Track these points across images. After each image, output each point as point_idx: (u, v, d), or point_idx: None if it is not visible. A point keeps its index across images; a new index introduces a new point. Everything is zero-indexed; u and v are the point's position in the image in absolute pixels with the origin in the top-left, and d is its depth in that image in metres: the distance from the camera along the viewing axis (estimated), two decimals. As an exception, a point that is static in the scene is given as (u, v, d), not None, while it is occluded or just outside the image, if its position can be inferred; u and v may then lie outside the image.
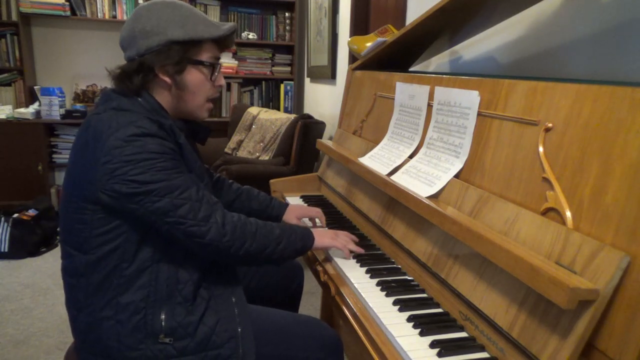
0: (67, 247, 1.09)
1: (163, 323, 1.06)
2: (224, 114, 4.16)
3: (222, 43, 1.18)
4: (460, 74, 1.29)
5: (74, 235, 1.07)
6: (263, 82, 4.21)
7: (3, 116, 3.56)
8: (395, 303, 1.05)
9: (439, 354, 0.87)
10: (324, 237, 1.29)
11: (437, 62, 1.95)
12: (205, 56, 1.14)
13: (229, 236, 1.08)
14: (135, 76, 1.09)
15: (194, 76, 1.14)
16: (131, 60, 1.11)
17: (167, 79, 1.12)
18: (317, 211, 1.54)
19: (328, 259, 1.31)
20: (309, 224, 1.55)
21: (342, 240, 1.30)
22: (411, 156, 1.35)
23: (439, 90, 1.26)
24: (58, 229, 3.36)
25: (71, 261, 1.08)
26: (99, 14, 3.78)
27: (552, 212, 0.86)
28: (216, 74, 1.18)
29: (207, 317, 1.10)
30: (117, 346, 1.05)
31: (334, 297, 1.18)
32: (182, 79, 1.13)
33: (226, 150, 3.56)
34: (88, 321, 1.07)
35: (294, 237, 1.21)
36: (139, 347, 1.05)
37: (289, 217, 1.52)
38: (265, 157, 3.25)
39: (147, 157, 1.01)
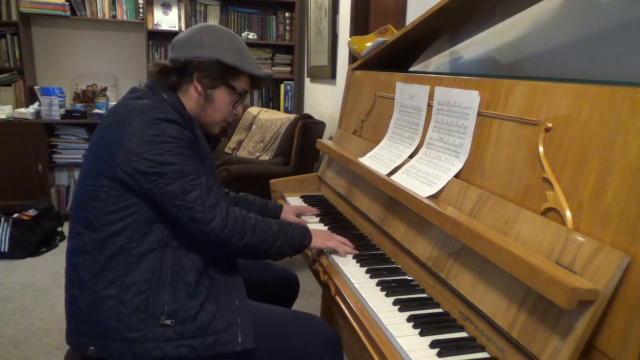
0: (76, 225, 1.13)
1: (165, 306, 1.09)
2: (224, 114, 4.15)
3: (256, 82, 1.32)
4: (460, 74, 1.30)
5: (86, 213, 1.11)
6: (263, 82, 4.21)
7: (3, 116, 3.56)
8: (395, 303, 1.05)
9: (439, 354, 0.87)
10: (320, 237, 1.32)
11: (437, 62, 1.95)
12: (238, 85, 1.27)
13: (230, 227, 1.13)
14: (174, 74, 1.21)
15: (222, 96, 1.26)
16: (175, 61, 1.21)
17: (199, 87, 1.23)
18: (311, 209, 1.65)
19: (328, 258, 1.32)
20: (304, 219, 1.60)
21: (336, 241, 1.33)
22: (411, 156, 1.35)
23: (439, 90, 1.26)
24: (59, 229, 3.38)
25: (79, 239, 1.11)
26: (99, 14, 3.78)
27: (552, 212, 0.86)
28: (239, 103, 1.31)
29: (207, 304, 1.12)
30: (117, 326, 1.07)
31: (334, 297, 1.18)
32: (211, 94, 1.24)
33: (226, 150, 3.56)
34: (90, 301, 1.09)
35: (291, 234, 1.25)
36: (140, 327, 1.07)
37: (285, 215, 1.61)
38: (265, 157, 3.25)
39: (165, 140, 1.08)
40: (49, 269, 2.93)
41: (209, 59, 1.20)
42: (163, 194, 1.07)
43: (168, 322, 1.08)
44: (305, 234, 1.29)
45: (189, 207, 1.08)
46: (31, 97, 3.76)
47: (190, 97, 1.24)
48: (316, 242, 1.30)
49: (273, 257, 1.25)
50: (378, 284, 1.14)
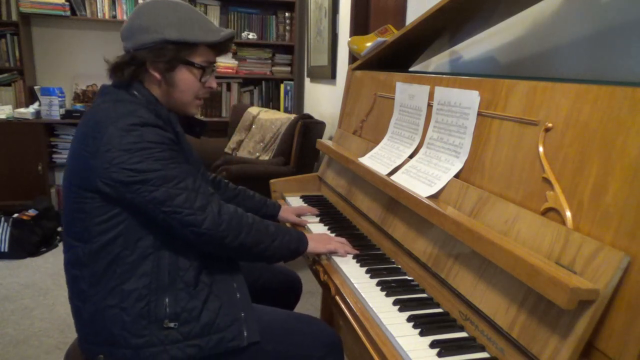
0: (69, 238, 1.11)
1: (167, 309, 1.08)
2: (223, 114, 4.16)
3: (217, 48, 1.19)
4: (460, 74, 1.29)
5: (75, 226, 1.09)
6: (263, 82, 4.21)
7: (3, 116, 3.56)
8: (395, 303, 1.05)
9: (439, 354, 0.87)
10: (319, 242, 1.31)
11: (437, 62, 1.95)
12: (198, 59, 1.16)
13: (225, 225, 1.10)
14: (127, 68, 1.12)
15: (184, 76, 1.16)
16: (127, 52, 1.14)
17: (157, 75, 1.14)
18: (311, 209, 1.64)
19: (328, 258, 1.32)
20: (304, 219, 1.60)
21: (336, 242, 1.32)
22: (411, 156, 1.35)
23: (439, 90, 1.26)
24: (59, 229, 3.38)
25: (74, 252, 1.10)
26: (99, 14, 3.78)
27: (552, 212, 0.86)
28: (207, 76, 1.20)
29: (210, 302, 1.12)
30: (122, 333, 1.07)
31: (334, 297, 1.18)
32: (171, 77, 1.15)
33: (226, 150, 3.56)
34: (92, 311, 1.09)
35: (288, 237, 1.23)
36: (144, 333, 1.07)
37: (285, 214, 1.59)
38: (265, 157, 3.25)
39: (144, 147, 1.03)
40: (49, 269, 2.93)
41: (154, 42, 1.10)
42: (149, 202, 1.03)
43: (172, 324, 1.08)
44: (302, 239, 1.27)
45: (178, 212, 1.04)
46: (31, 97, 3.76)
47: (153, 85, 1.16)
48: (315, 248, 1.29)
49: (268, 259, 1.22)
50: (378, 284, 1.14)
